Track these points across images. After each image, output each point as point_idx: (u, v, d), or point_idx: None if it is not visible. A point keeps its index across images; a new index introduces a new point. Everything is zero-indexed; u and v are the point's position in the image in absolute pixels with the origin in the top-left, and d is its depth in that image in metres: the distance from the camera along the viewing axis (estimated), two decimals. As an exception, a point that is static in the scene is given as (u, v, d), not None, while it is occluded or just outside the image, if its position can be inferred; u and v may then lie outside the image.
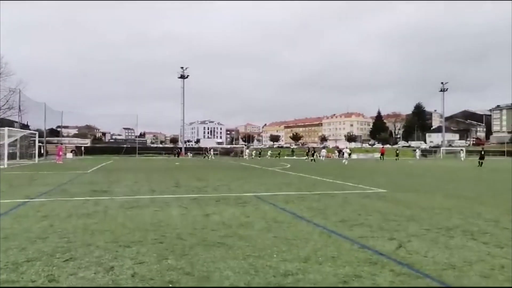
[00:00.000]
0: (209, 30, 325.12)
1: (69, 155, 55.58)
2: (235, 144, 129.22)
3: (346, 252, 4.65)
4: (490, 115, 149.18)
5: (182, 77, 75.00)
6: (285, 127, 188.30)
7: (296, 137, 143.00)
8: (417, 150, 69.12)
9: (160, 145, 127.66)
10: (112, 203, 8.73)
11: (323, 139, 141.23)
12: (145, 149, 77.08)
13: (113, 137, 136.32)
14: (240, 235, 5.49)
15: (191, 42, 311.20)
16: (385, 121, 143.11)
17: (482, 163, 33.16)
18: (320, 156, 52.80)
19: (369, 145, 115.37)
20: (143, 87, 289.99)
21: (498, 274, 3.88)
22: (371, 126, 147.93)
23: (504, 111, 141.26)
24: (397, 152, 60.89)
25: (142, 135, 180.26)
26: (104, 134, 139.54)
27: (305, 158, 52.77)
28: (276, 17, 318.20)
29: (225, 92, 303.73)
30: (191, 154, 69.31)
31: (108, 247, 4.77)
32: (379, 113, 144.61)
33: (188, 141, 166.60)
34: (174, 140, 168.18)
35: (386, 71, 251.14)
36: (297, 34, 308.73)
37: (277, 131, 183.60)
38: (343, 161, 40.26)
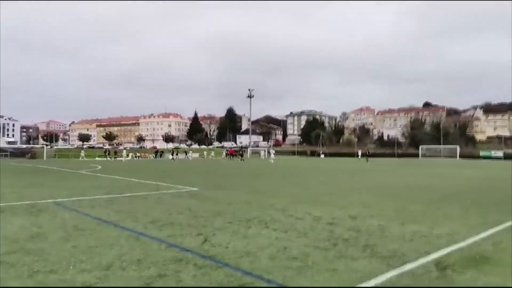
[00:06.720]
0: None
1: None
2: (34, 144, 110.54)
3: (152, 253, 4.58)
4: (286, 120, 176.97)
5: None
6: (98, 126, 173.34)
7: (110, 137, 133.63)
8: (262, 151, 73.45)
9: None
10: None
11: (140, 139, 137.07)
12: None
13: None
14: (28, 249, 4.68)
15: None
16: (201, 122, 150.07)
17: (368, 160, 45.57)
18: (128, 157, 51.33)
19: (187, 145, 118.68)
20: None
21: (282, 254, 4.58)
22: (188, 127, 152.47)
23: (296, 117, 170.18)
24: (241, 152, 63.51)
25: None
26: None
27: (240, 158, 51.62)
28: (93, 8, 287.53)
29: (21, 84, 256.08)
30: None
31: None
32: (195, 114, 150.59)
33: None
34: None
35: (202, 75, 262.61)
36: (116, 29, 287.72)
37: (87, 129, 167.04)
38: (270, 160, 42.57)
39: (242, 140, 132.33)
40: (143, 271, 3.93)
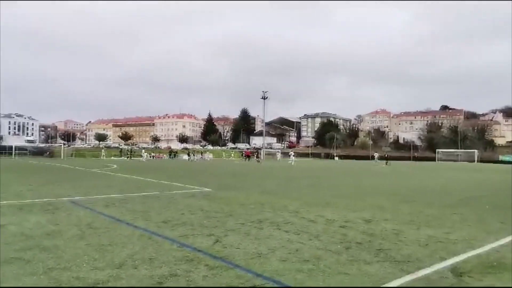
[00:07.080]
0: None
1: None
2: (52, 143, 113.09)
3: (164, 253, 4.60)
4: (300, 122, 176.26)
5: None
6: (114, 126, 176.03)
7: (126, 137, 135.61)
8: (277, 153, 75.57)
9: None
10: None
11: (155, 139, 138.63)
12: None
13: None
14: (44, 246, 4.76)
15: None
16: (215, 123, 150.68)
17: (388, 162, 44.74)
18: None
19: (201, 146, 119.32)
20: None
21: (293, 257, 4.53)
22: (202, 128, 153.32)
23: (310, 119, 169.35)
24: (257, 153, 63.72)
25: None
26: None
27: (256, 159, 55.19)
28: (111, 9, 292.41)
29: (40, 83, 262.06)
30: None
31: None
32: (210, 115, 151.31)
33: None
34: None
35: (216, 76, 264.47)
36: (132, 31, 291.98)
37: (104, 129, 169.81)
38: (290, 162, 43.35)
39: (256, 141, 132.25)
40: (155, 270, 3.95)
